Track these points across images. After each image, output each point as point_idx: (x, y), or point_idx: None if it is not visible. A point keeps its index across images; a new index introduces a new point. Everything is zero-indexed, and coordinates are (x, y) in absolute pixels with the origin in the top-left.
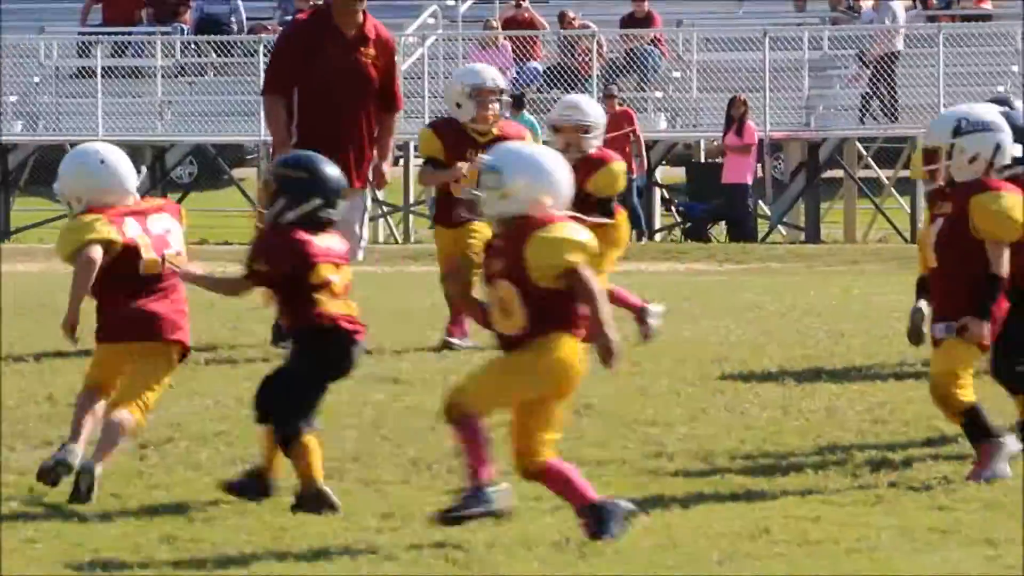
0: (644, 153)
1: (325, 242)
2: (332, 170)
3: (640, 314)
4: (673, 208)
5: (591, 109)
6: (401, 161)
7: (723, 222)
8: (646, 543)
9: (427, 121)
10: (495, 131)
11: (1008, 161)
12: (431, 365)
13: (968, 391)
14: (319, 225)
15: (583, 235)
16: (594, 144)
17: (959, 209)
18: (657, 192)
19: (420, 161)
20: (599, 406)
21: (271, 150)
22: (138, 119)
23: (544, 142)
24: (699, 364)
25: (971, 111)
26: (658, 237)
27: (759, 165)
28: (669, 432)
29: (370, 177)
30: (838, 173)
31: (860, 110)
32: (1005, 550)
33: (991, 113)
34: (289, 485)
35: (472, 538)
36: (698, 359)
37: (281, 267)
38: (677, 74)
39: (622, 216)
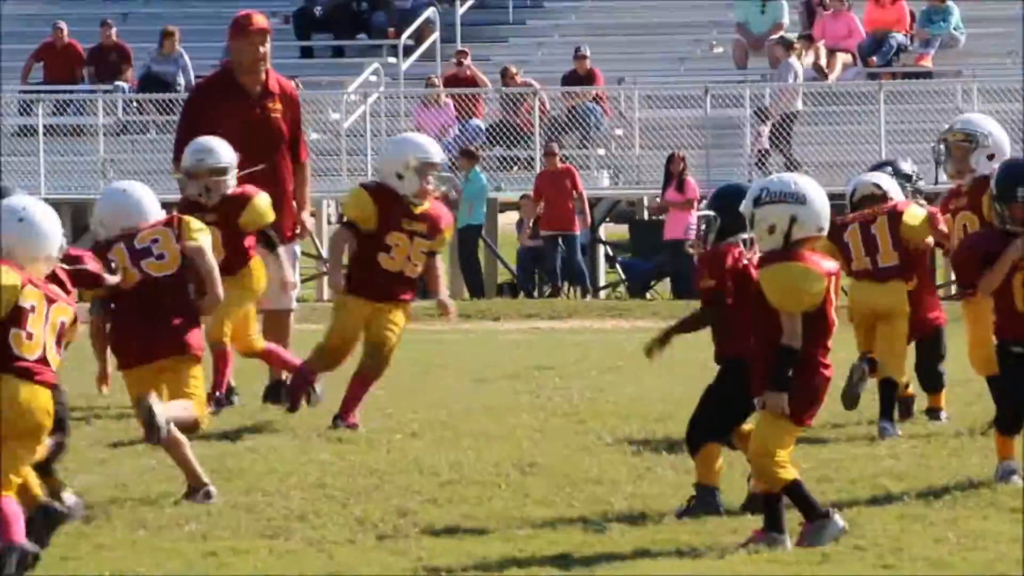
0: (587, 210)
1: None
2: None
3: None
4: (617, 265)
5: (223, 151)
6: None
7: (667, 279)
8: None
9: (370, 179)
10: (427, 204)
11: (810, 233)
12: (376, 423)
13: (787, 468)
14: None
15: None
16: (231, 184)
17: (758, 279)
18: (601, 249)
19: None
20: (544, 464)
21: None
22: (81, 177)
23: (489, 199)
24: (644, 422)
25: (775, 181)
26: (602, 294)
27: None
28: (615, 490)
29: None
30: None
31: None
32: None
33: (798, 184)
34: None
35: None
36: (643, 417)
37: None
38: (619, 131)
39: (257, 262)
